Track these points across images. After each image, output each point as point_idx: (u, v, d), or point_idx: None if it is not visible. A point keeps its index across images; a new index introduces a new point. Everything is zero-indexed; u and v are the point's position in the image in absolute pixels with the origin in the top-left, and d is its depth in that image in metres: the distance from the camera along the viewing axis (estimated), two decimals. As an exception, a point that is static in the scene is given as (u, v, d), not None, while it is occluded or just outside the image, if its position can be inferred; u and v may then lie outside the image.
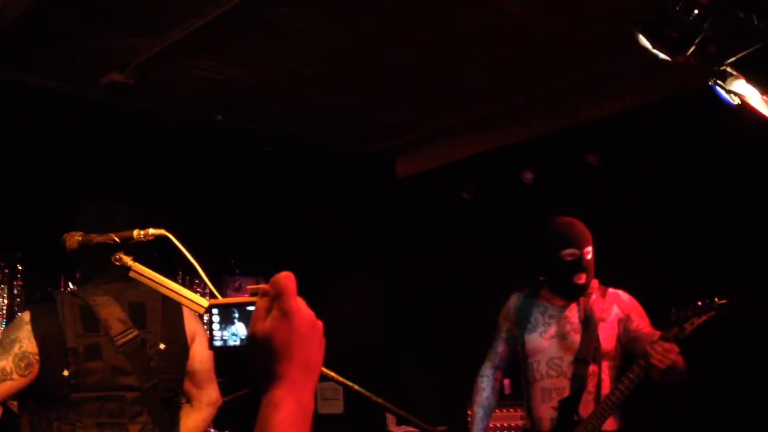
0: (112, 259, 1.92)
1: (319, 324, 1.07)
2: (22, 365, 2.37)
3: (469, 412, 4.97)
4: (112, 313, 2.47)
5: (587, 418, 3.07)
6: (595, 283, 3.31)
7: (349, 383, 1.66)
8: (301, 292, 1.06)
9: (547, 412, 3.21)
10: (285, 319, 1.02)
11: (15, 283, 5.12)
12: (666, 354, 2.88)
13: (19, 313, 2.57)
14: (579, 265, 3.21)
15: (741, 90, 3.21)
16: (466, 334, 5.70)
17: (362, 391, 1.65)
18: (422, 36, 4.19)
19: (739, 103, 3.44)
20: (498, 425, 4.82)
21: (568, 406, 3.14)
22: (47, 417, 2.39)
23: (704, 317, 2.93)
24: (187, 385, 2.67)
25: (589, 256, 3.25)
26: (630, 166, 4.91)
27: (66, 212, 4.48)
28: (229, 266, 6.20)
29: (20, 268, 5.12)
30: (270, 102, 5.08)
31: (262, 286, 1.06)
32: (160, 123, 5.13)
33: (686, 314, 2.94)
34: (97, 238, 1.99)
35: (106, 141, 4.87)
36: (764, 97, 3.32)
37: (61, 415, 2.38)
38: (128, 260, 1.95)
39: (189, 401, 2.71)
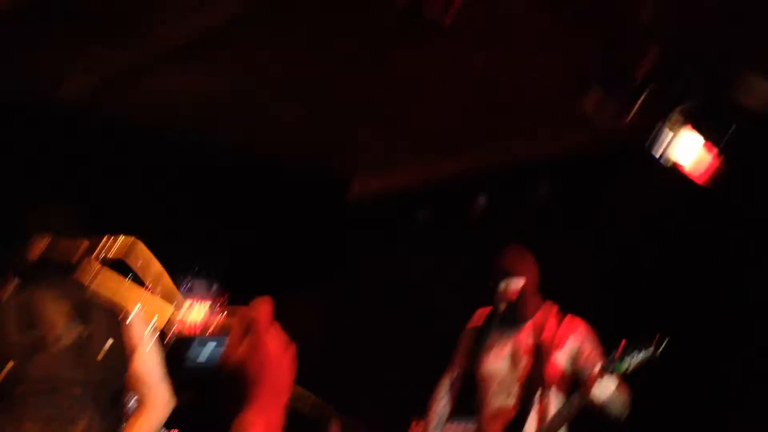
0: (81, 264, 1.98)
1: (291, 349, 1.10)
2: None
3: (413, 424, 5.08)
4: (55, 309, 2.46)
5: None
6: (553, 309, 3.44)
7: (306, 392, 1.74)
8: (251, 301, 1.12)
9: (494, 428, 3.31)
10: (259, 346, 1.06)
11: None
12: (602, 390, 3.02)
13: None
14: (495, 296, 3.40)
15: (681, 142, 3.39)
16: (409, 354, 5.81)
17: (318, 402, 1.73)
18: (384, 67, 4.29)
19: (672, 164, 3.63)
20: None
21: (512, 427, 3.24)
22: None
23: (642, 355, 3.04)
24: (137, 386, 2.64)
25: (513, 287, 3.39)
26: (580, 203, 5.07)
27: (18, 211, 4.48)
28: (182, 268, 6.20)
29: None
30: (229, 116, 5.11)
31: (239, 309, 1.11)
32: (115, 130, 5.12)
33: (626, 353, 3.04)
34: (65, 243, 2.05)
35: (62, 145, 4.85)
36: (706, 145, 3.52)
37: (4, 408, 2.36)
38: (96, 265, 2.02)
39: (140, 402, 2.68)
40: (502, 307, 3.41)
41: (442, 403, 3.58)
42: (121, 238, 2.02)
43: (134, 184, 5.11)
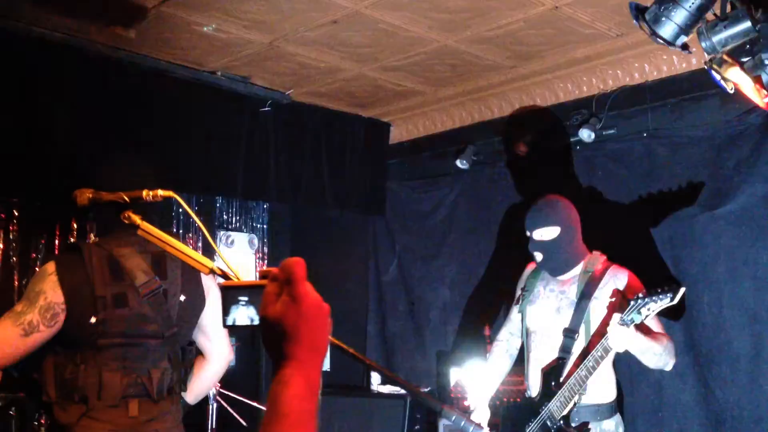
0: (121, 218, 2.01)
1: (326, 307, 1.12)
2: (48, 316, 2.43)
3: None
4: (136, 264, 2.54)
5: (562, 391, 3.19)
6: (599, 259, 3.40)
7: (344, 346, 1.75)
8: (292, 252, 1.11)
9: (536, 379, 3.34)
10: (294, 304, 1.08)
11: (11, 228, 5.19)
12: (622, 337, 2.98)
13: (43, 265, 2.60)
14: (532, 244, 3.39)
15: (735, 78, 3.28)
16: (450, 300, 5.83)
17: (356, 353, 1.74)
18: (423, 9, 4.22)
19: (733, 90, 3.52)
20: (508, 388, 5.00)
21: (550, 376, 3.27)
22: (73, 360, 2.46)
23: (659, 303, 3.00)
24: (201, 339, 2.76)
25: (546, 237, 3.36)
26: (624, 144, 4.96)
27: (64, 161, 4.56)
28: (222, 222, 6.28)
29: (16, 213, 5.19)
30: (270, 62, 5.10)
31: (272, 269, 1.12)
32: (158, 76, 5.14)
33: (644, 300, 3.01)
34: (107, 197, 2.07)
35: (106, 92, 4.89)
36: (756, 86, 3.40)
37: (86, 358, 2.45)
38: (137, 219, 2.04)
39: (202, 354, 2.80)
40: (539, 257, 3.39)
41: (498, 360, 3.60)
42: (159, 191, 2.02)
43: (170, 135, 5.13)
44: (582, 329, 3.26)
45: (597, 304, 3.28)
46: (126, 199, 2.06)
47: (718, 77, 3.50)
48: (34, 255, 5.24)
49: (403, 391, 5.44)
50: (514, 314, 3.60)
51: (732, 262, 4.17)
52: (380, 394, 5.60)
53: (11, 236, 5.18)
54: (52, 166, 4.60)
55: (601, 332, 3.24)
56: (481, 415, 3.47)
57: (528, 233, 3.42)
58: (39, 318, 2.41)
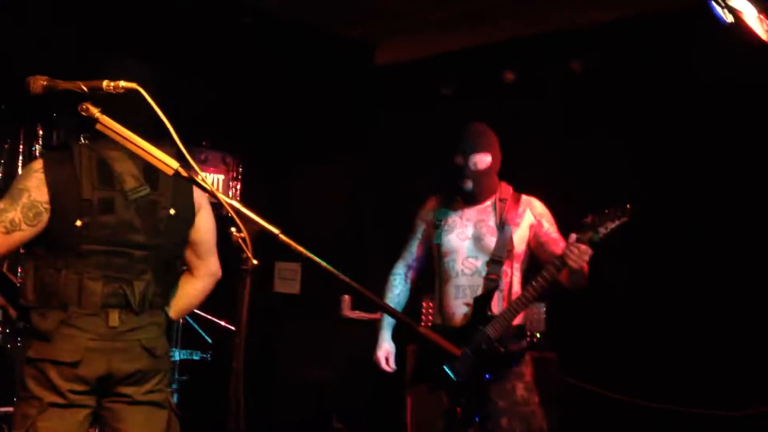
0: (79, 109, 1.85)
1: None
2: (30, 215, 2.35)
3: (424, 304, 5.11)
4: (126, 168, 2.44)
5: (501, 314, 3.23)
6: (508, 189, 3.44)
7: (325, 264, 1.65)
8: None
9: (459, 308, 3.35)
10: None
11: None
12: (581, 255, 3.04)
13: (30, 162, 2.50)
14: (463, 171, 3.34)
15: (739, 5, 3.15)
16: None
17: (335, 272, 1.64)
18: None
19: (733, 21, 3.40)
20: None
21: (482, 303, 3.28)
22: (54, 265, 2.38)
23: (617, 222, 3.07)
24: (189, 255, 2.67)
25: (480, 165, 3.34)
26: (613, 78, 4.85)
27: (35, 66, 4.35)
28: (196, 138, 6.10)
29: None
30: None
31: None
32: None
33: (600, 219, 3.07)
34: (63, 85, 1.90)
35: None
36: (761, 16, 3.27)
37: (68, 263, 2.38)
38: (95, 111, 1.87)
39: (189, 270, 2.71)
40: (469, 183, 3.33)
41: (396, 291, 3.59)
42: (121, 83, 1.85)
43: (141, 39, 4.91)
44: (506, 254, 3.30)
45: (517, 231, 3.34)
46: (84, 88, 1.88)
47: (718, 7, 3.38)
48: (-2, 159, 5.06)
49: (372, 318, 5.40)
50: (415, 246, 3.57)
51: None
52: (350, 320, 5.56)
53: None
54: (15, 64, 4.37)
55: (521, 258, 3.35)
56: (386, 348, 3.50)
57: (461, 159, 3.35)
58: (21, 216, 2.33)
